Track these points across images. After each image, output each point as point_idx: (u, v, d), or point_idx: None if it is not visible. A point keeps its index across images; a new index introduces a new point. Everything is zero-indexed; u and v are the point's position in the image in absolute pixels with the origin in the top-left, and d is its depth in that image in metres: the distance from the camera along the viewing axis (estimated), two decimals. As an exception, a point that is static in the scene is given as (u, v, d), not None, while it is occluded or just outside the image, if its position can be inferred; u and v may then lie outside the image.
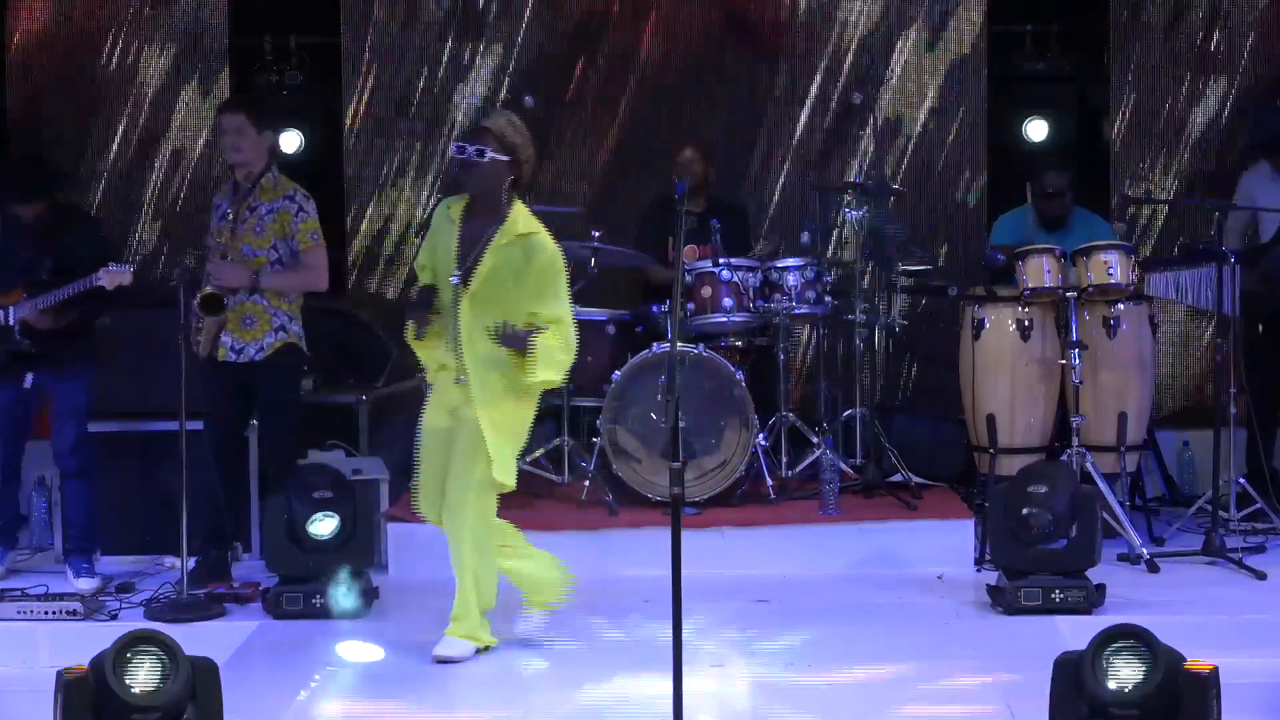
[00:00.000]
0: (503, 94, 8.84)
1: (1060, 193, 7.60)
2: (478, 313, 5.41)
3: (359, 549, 6.29)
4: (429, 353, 5.58)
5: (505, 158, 5.39)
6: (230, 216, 6.57)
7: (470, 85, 8.95)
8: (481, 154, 5.36)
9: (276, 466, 6.73)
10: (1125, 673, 4.20)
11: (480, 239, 5.43)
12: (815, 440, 7.37)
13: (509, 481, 5.51)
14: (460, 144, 5.43)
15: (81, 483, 6.84)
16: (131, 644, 4.28)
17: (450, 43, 8.95)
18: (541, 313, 5.42)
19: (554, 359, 5.41)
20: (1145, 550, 6.71)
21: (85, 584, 6.71)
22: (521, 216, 5.46)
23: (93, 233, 6.95)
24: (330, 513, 6.19)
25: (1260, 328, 7.35)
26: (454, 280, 5.41)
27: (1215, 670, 4.17)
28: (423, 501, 5.71)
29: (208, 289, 6.41)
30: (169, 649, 4.29)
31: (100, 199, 8.96)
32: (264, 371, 6.59)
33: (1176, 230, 8.83)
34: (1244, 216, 7.79)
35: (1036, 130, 9.03)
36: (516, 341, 5.34)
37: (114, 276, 6.39)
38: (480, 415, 5.41)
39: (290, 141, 8.83)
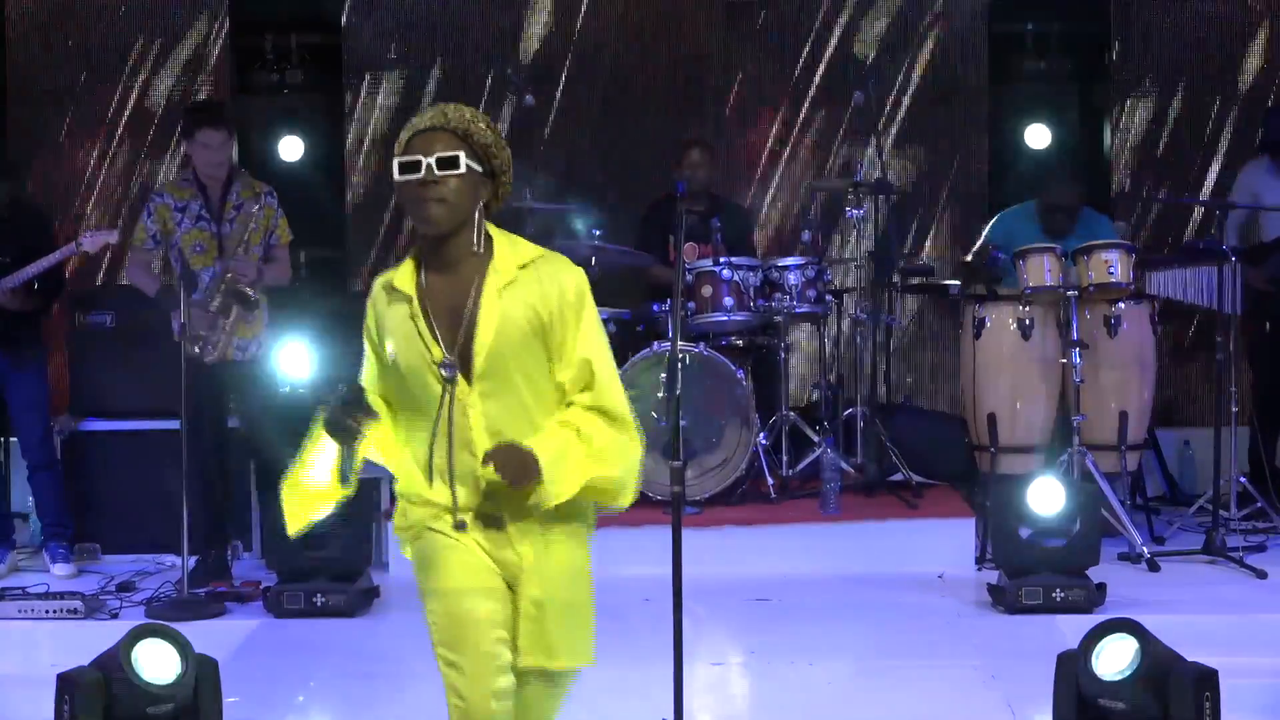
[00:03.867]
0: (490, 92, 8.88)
1: (1068, 207, 7.54)
2: (493, 406, 3.44)
3: (358, 545, 6.30)
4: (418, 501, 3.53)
5: (479, 168, 3.42)
6: (210, 217, 6.60)
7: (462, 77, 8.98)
8: (453, 163, 3.37)
9: (271, 460, 6.75)
10: (1114, 664, 4.21)
11: (464, 299, 3.43)
12: (816, 439, 7.37)
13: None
14: (410, 159, 3.38)
15: (51, 473, 6.94)
16: (143, 636, 4.29)
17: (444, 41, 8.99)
18: (569, 360, 3.46)
19: (604, 456, 3.45)
20: (1146, 549, 6.71)
21: (62, 569, 6.82)
22: (511, 243, 3.50)
23: (45, 226, 7.01)
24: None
25: (1268, 326, 7.35)
26: (445, 373, 3.40)
27: (1214, 672, 4.17)
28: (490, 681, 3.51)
29: (238, 289, 6.44)
30: (179, 641, 4.30)
31: (98, 196, 8.96)
32: (256, 366, 6.65)
33: (1177, 229, 8.85)
34: (1243, 213, 7.78)
35: (1037, 130, 9.04)
36: (517, 468, 3.33)
37: (96, 240, 6.49)
38: (532, 582, 3.54)
39: (292, 145, 8.88)
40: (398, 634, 5.97)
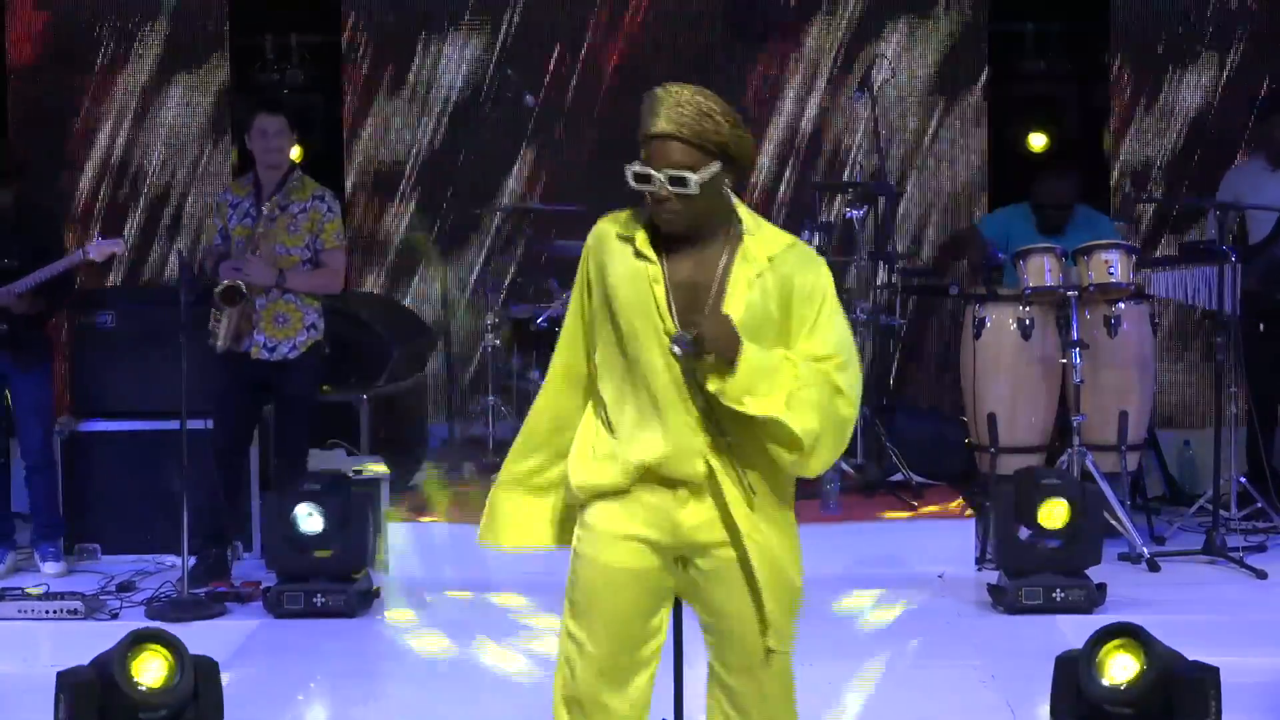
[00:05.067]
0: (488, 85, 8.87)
1: (1061, 203, 7.59)
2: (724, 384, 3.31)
3: (358, 545, 6.30)
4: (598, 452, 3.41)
5: (715, 167, 3.29)
6: (256, 214, 6.61)
7: (462, 78, 8.97)
8: (683, 182, 3.27)
9: (290, 463, 6.76)
10: (1120, 670, 4.21)
11: (706, 277, 3.35)
12: (816, 439, 7.35)
13: (785, 651, 3.73)
14: (643, 171, 3.29)
15: (50, 475, 6.95)
16: (138, 642, 4.29)
17: (444, 33, 8.98)
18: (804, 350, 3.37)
19: (806, 398, 3.34)
20: (1146, 549, 6.71)
21: (52, 568, 6.84)
22: (759, 229, 3.39)
23: (55, 228, 7.03)
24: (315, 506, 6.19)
25: (1261, 326, 7.35)
26: (677, 350, 3.28)
27: (1216, 671, 4.17)
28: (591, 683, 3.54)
29: (226, 281, 6.45)
30: (174, 647, 4.30)
31: (96, 196, 8.96)
32: (292, 369, 6.65)
33: (1178, 229, 8.85)
34: (1231, 214, 7.76)
35: (1036, 130, 9.03)
36: (721, 336, 3.27)
37: (102, 249, 6.50)
38: (749, 547, 3.49)
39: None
40: (398, 634, 5.97)
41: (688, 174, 3.26)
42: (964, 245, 7.83)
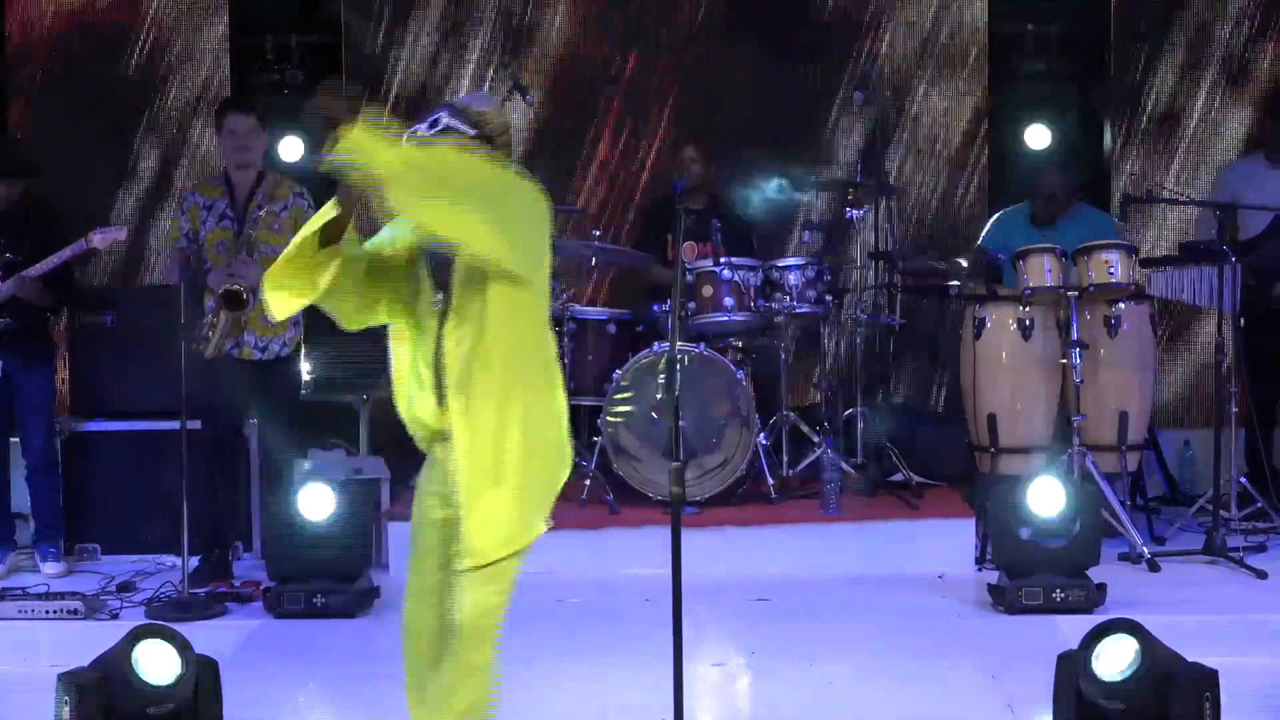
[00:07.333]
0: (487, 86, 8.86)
1: (1054, 195, 7.60)
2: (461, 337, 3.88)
3: (358, 545, 6.30)
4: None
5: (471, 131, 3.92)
6: (235, 216, 6.60)
7: (467, 81, 8.96)
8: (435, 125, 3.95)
9: (288, 460, 6.76)
10: (1114, 665, 4.22)
11: None
12: (816, 439, 7.37)
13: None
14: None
15: (51, 475, 6.97)
16: (143, 637, 4.29)
17: (448, 38, 8.97)
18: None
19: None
20: (1146, 549, 6.71)
21: (52, 568, 6.86)
22: None
23: (59, 224, 7.05)
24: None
25: (1242, 321, 7.35)
26: (436, 305, 3.98)
27: (1214, 674, 4.17)
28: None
29: (229, 286, 6.41)
30: (179, 642, 4.31)
31: (95, 198, 8.96)
32: (282, 366, 6.67)
33: (1178, 229, 8.84)
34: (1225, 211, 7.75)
35: (1036, 130, 9.03)
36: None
37: (106, 237, 6.51)
38: (461, 487, 3.94)
39: (292, 145, 8.87)
40: (398, 634, 5.96)
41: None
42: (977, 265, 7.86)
